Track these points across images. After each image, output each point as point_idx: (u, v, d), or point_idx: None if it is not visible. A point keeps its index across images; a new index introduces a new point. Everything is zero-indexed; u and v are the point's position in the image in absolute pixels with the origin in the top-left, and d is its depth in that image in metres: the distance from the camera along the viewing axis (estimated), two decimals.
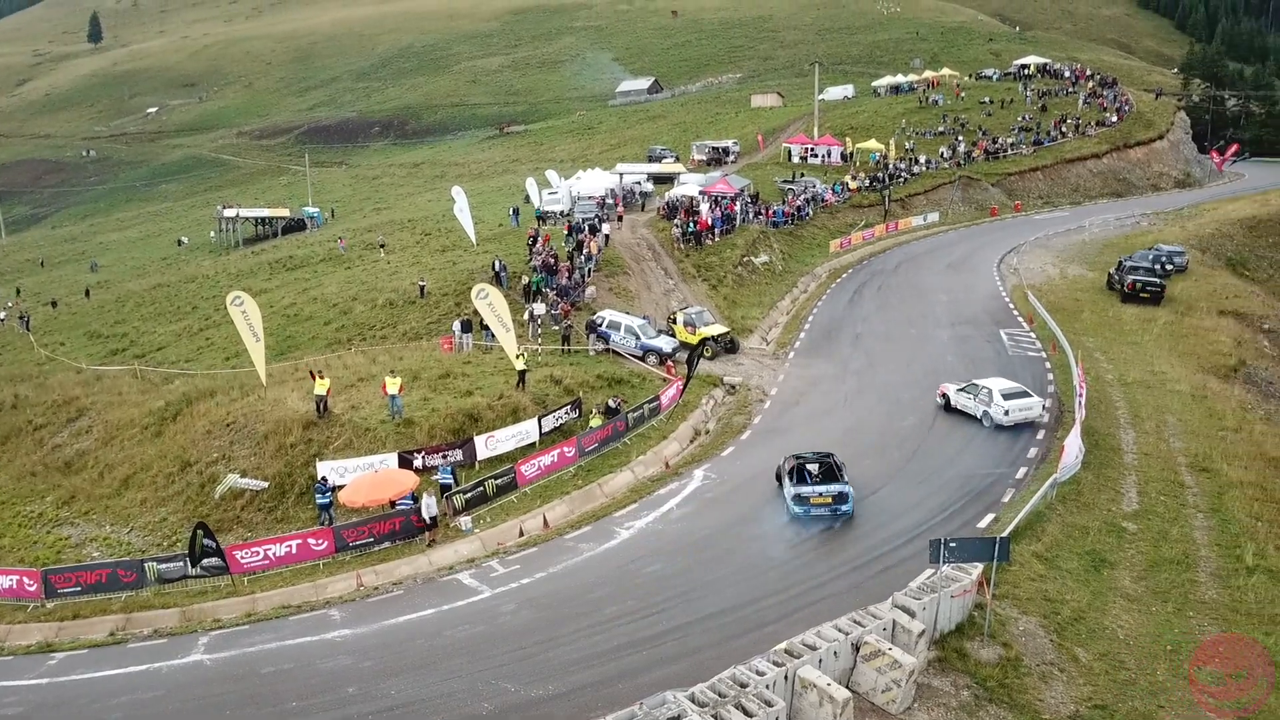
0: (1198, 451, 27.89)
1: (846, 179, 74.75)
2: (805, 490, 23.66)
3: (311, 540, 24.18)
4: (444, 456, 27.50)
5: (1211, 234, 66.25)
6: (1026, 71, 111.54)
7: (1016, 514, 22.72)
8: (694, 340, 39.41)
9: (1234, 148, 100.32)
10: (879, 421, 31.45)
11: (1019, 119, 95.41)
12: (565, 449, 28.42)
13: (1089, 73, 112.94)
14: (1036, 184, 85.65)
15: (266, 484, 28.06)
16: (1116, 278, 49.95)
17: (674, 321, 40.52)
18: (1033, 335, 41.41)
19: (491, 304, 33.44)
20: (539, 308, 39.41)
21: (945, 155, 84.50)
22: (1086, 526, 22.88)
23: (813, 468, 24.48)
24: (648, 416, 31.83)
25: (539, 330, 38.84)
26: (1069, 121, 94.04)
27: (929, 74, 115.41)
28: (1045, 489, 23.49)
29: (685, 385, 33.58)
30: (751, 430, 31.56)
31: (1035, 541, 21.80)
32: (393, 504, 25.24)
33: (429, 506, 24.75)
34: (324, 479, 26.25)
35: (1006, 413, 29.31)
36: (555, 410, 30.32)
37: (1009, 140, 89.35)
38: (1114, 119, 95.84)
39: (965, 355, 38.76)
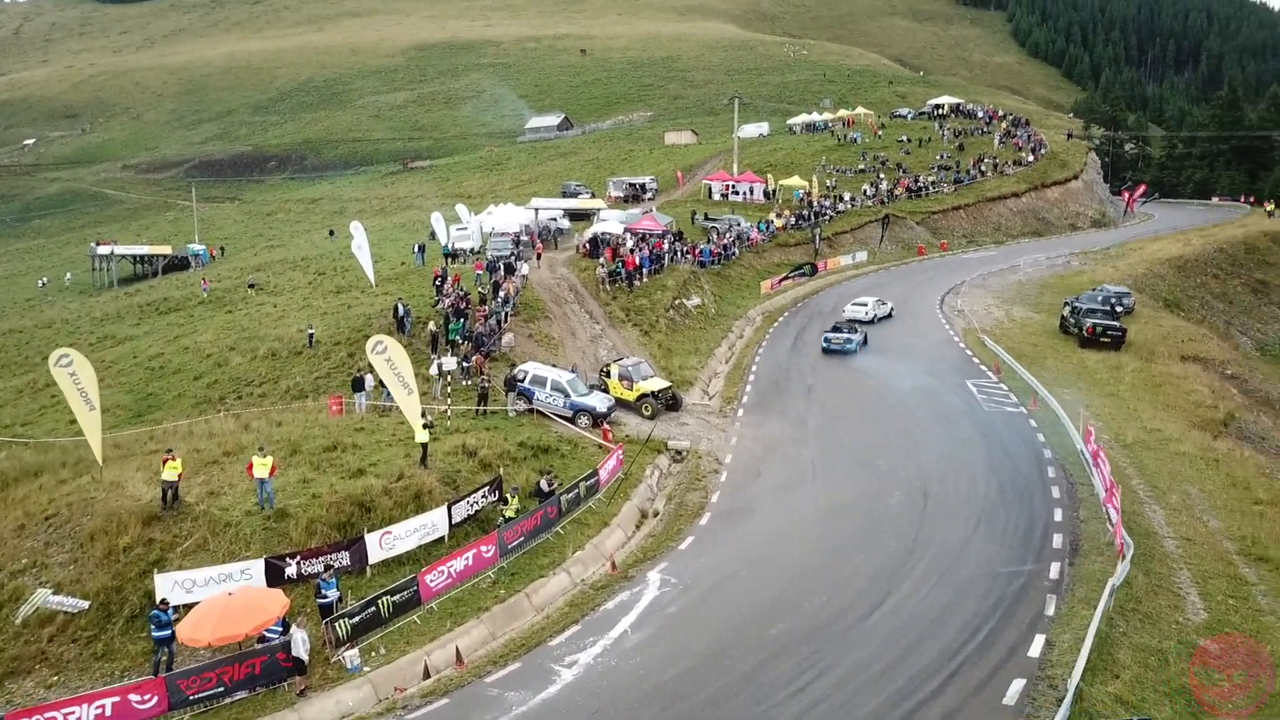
0: (1242, 534, 23.09)
1: (771, 217, 70.26)
2: None
3: (135, 697, 17.24)
4: (326, 563, 20.88)
5: (1144, 274, 63.56)
6: (940, 111, 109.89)
7: (1076, 636, 17.38)
8: (631, 397, 33.51)
9: (1142, 188, 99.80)
10: (860, 498, 25.94)
11: (938, 157, 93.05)
12: (483, 547, 22.01)
13: (1001, 113, 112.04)
14: (960, 223, 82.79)
15: (87, 604, 20.91)
16: (1072, 321, 46.02)
17: (607, 375, 34.45)
18: (1003, 386, 36.71)
19: (391, 360, 26.95)
20: (448, 361, 32.87)
21: (868, 193, 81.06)
22: (1162, 650, 17.60)
23: None
24: (584, 497, 25.68)
25: (448, 387, 32.31)
26: (987, 160, 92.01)
27: (844, 112, 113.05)
28: (1105, 602, 18.20)
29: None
30: (710, 512, 25.65)
31: (1111, 679, 16.39)
32: (258, 638, 18.54)
33: (302, 641, 18.11)
34: (164, 602, 19.30)
35: None
36: (469, 494, 23.92)
37: (930, 179, 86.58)
38: (1030, 158, 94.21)
39: (936, 411, 33.79)
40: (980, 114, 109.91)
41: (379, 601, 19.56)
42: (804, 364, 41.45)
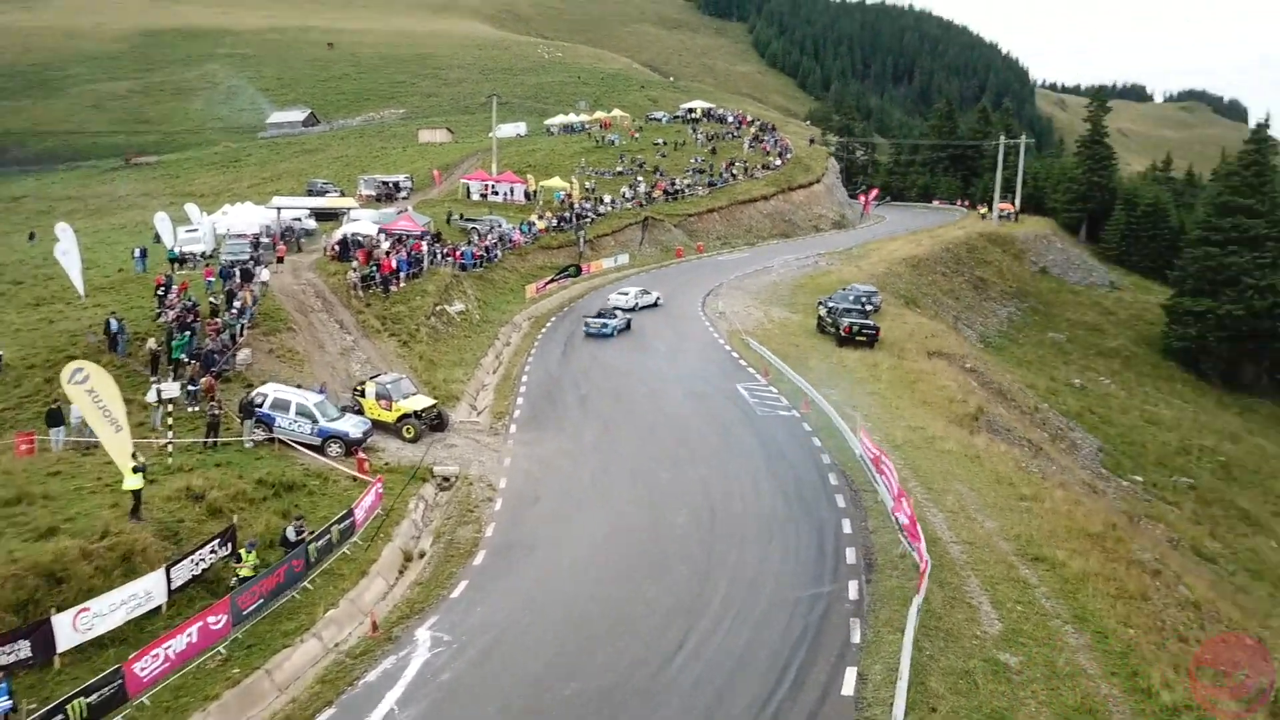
0: (1018, 533, 23.05)
1: (533, 218, 67.93)
2: None
3: None
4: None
5: (884, 273, 66.49)
6: (693, 115, 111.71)
7: (887, 666, 16.14)
8: (390, 418, 29.98)
9: (874, 192, 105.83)
10: (645, 520, 23.97)
11: (692, 161, 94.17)
12: (210, 618, 18.00)
13: (750, 118, 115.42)
14: (714, 225, 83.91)
15: None
16: (829, 321, 46.74)
17: (361, 394, 30.64)
18: (773, 389, 36.21)
19: (94, 390, 22.13)
20: (169, 386, 27.85)
21: (627, 195, 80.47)
22: (969, 671, 16.64)
23: None
24: (338, 542, 22.09)
25: (169, 417, 27.35)
26: (738, 164, 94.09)
27: (600, 114, 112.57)
28: (912, 626, 17.09)
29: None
30: (485, 549, 22.75)
31: (929, 713, 15.18)
32: None
33: None
34: None
35: None
36: (194, 551, 19.80)
37: (686, 181, 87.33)
38: (778, 163, 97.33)
39: (711, 418, 32.65)
40: (730, 119, 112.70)
41: (69, 706, 15.26)
42: (576, 372, 39.36)
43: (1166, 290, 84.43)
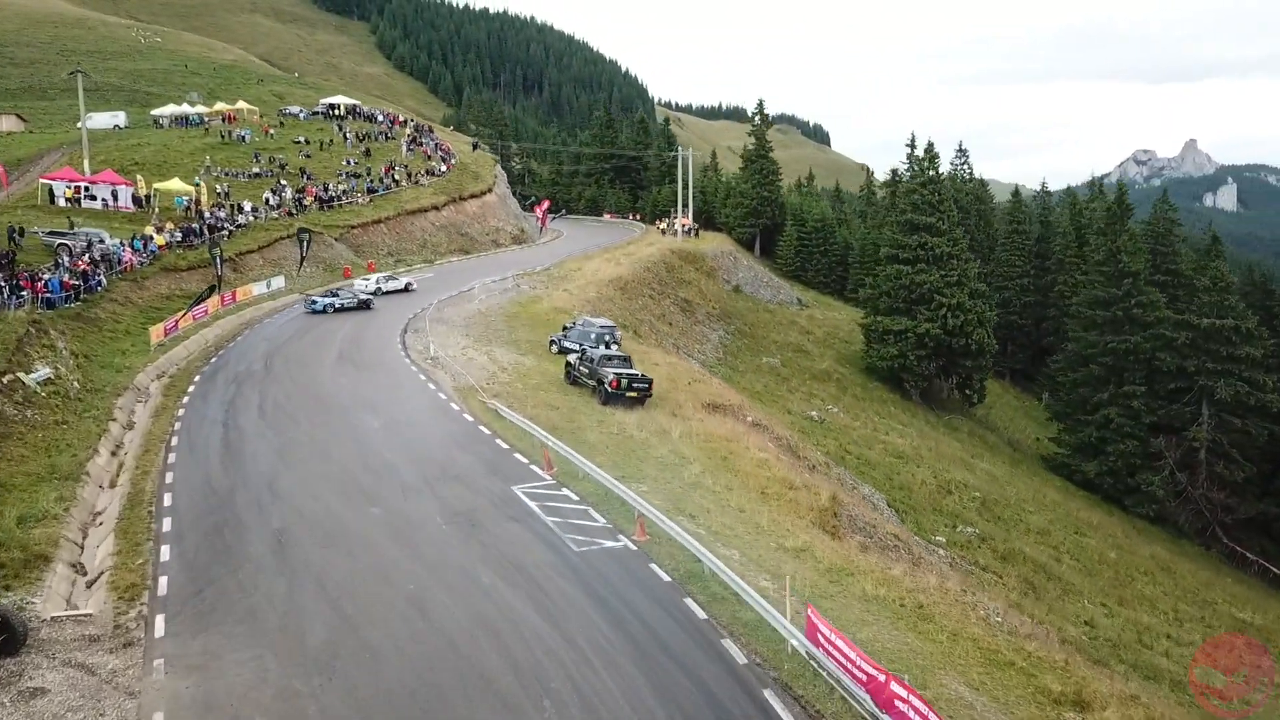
0: None
1: (149, 231, 50.04)
2: None
3: None
4: None
5: (596, 297, 56.85)
6: (337, 112, 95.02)
7: None
8: None
9: (546, 203, 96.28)
10: None
11: (345, 163, 78.71)
12: None
13: (403, 118, 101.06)
14: (383, 238, 69.58)
15: None
16: (584, 370, 35.42)
17: None
18: (569, 492, 24.31)
19: None
20: None
21: (271, 202, 63.84)
22: None
23: None
24: None
25: None
26: (399, 169, 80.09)
27: (223, 106, 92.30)
28: None
29: None
30: None
31: None
32: None
33: None
34: None
35: None
36: None
37: (341, 187, 71.96)
38: (443, 168, 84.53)
39: (504, 568, 19.62)
40: (381, 118, 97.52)
41: None
42: (256, 476, 24.41)
43: (846, 307, 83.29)
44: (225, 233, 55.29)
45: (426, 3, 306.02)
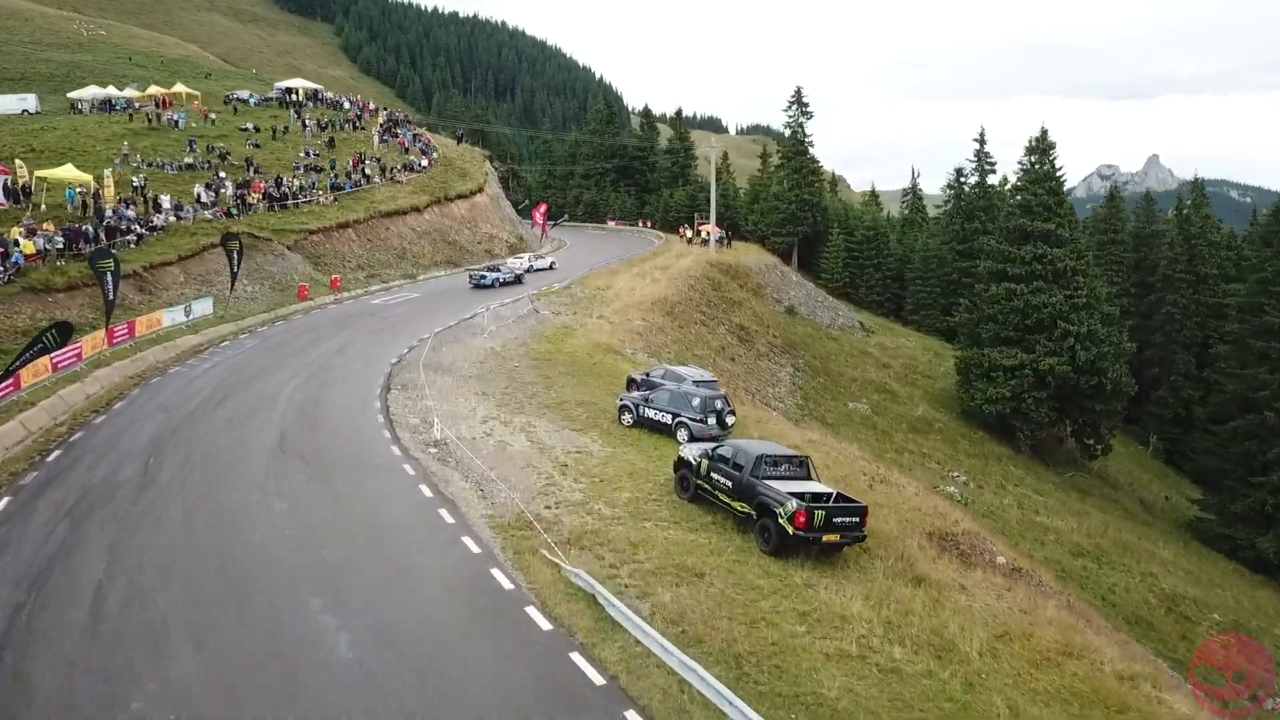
0: None
1: (15, 234, 33.88)
2: None
3: None
4: None
5: (644, 327, 41.39)
6: (296, 98, 78.37)
7: None
8: None
9: (543, 207, 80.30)
10: None
11: (303, 154, 62.39)
12: None
13: (374, 107, 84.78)
14: (351, 247, 53.38)
15: None
16: (724, 486, 18.61)
17: None
18: None
19: None
20: None
21: (205, 199, 47.62)
22: None
23: None
24: None
25: None
26: (370, 162, 63.98)
27: (157, 90, 75.40)
28: None
29: None
30: None
31: None
32: None
33: None
34: None
35: None
36: None
37: (298, 182, 55.79)
38: (424, 163, 68.44)
39: None
40: (348, 105, 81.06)
41: None
42: None
43: (908, 331, 68.42)
44: (132, 238, 39.02)
45: (394, 5, 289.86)
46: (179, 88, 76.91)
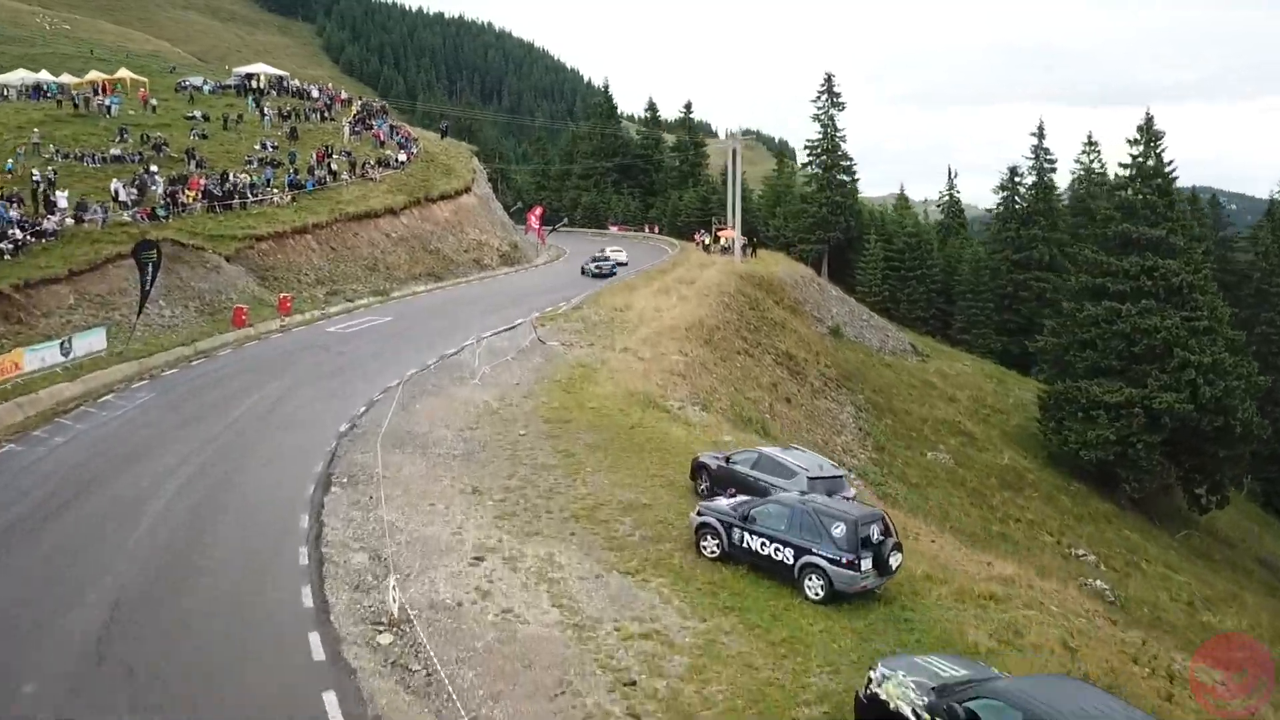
0: None
1: None
2: None
3: None
4: None
5: (683, 365, 31.57)
6: (256, 85, 68.07)
7: None
8: None
9: (539, 210, 70.36)
10: None
11: (258, 146, 52.40)
12: None
13: (346, 96, 74.69)
14: (308, 257, 43.48)
15: None
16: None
17: None
18: None
19: None
20: None
21: (125, 198, 37.59)
22: None
23: None
24: None
25: None
26: (339, 156, 54.07)
27: (97, 75, 64.97)
28: None
29: None
30: None
31: None
32: None
33: None
34: None
35: None
36: None
37: (248, 178, 45.90)
38: (402, 158, 58.41)
39: None
40: (316, 93, 70.88)
41: None
42: None
43: (959, 353, 58.83)
44: (8, 245, 29.03)
45: (377, 5, 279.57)
46: (123, 73, 66.51)
